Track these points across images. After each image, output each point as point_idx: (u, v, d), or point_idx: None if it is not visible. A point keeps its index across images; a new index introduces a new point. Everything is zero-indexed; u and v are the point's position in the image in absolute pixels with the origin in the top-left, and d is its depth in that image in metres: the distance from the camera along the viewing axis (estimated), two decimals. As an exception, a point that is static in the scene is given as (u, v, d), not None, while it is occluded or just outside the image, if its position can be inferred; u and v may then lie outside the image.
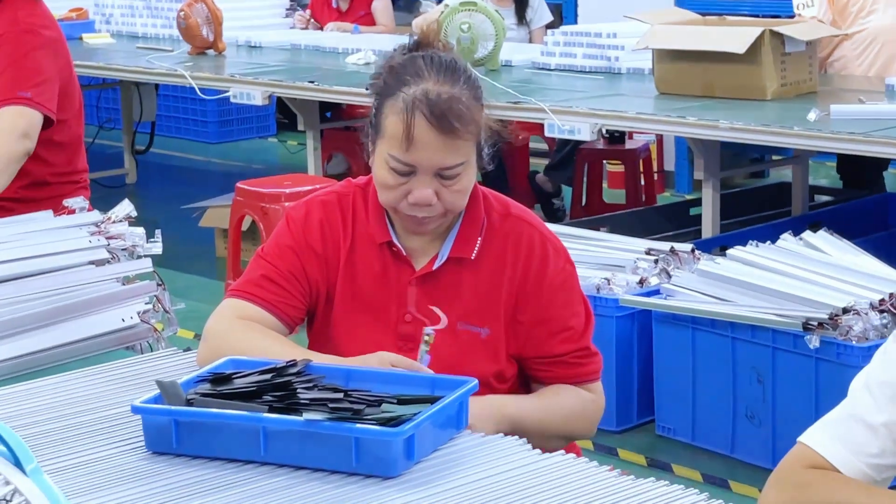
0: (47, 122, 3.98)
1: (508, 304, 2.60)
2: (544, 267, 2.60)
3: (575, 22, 8.69)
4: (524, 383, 2.68)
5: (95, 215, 3.30)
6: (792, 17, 6.53)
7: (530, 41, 7.77)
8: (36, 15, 4.05)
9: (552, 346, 2.61)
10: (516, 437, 2.35)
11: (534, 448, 2.42)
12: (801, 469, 1.98)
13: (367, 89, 2.63)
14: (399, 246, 2.62)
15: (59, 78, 4.03)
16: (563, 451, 2.30)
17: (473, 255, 2.61)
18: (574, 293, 2.64)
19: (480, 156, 2.57)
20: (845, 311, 4.17)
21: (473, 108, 2.50)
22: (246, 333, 2.55)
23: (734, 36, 5.57)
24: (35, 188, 4.03)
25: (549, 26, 7.86)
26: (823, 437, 1.99)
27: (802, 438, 2.02)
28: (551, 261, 2.61)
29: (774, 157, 7.97)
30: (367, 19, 8.57)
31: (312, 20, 8.60)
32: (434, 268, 2.61)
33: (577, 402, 2.62)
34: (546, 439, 2.51)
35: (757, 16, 7.43)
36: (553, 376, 2.63)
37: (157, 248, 3.24)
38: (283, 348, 2.51)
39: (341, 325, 2.64)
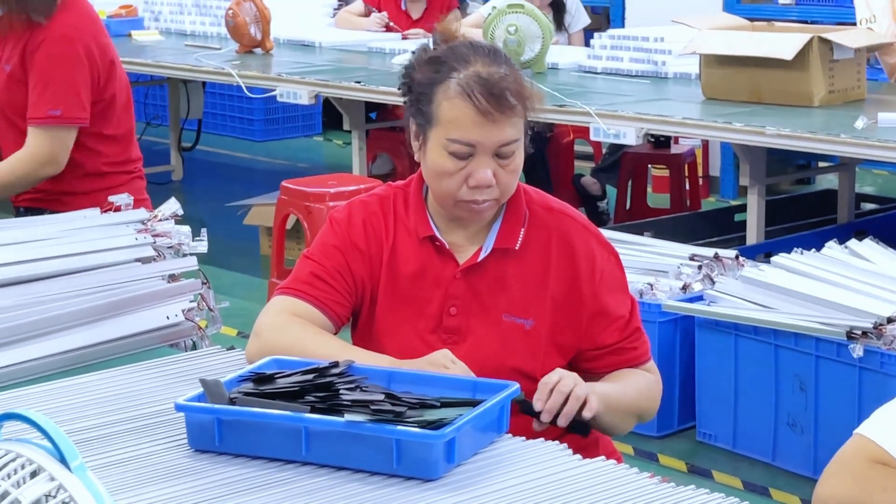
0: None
1: (557, 297, 2.64)
2: (593, 262, 2.65)
3: (622, 25, 8.67)
4: None
5: (142, 213, 3.32)
6: (839, 24, 6.48)
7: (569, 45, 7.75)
8: (71, 20, 4.03)
9: (606, 336, 2.66)
10: (560, 444, 2.35)
11: (610, 431, 2.61)
12: (864, 462, 1.95)
13: (399, 88, 2.67)
14: (442, 240, 2.65)
15: (91, 81, 4.03)
16: (603, 457, 2.31)
17: (518, 245, 2.64)
18: (622, 283, 2.71)
19: (527, 136, 2.62)
20: (890, 320, 4.15)
21: (523, 86, 2.58)
22: (301, 331, 2.58)
23: (782, 42, 5.55)
24: (90, 179, 4.06)
25: (590, 29, 7.84)
26: (887, 432, 1.96)
27: (863, 431, 1.98)
28: (598, 255, 2.67)
29: (821, 164, 7.93)
30: None
31: (392, 23, 8.57)
32: (479, 259, 2.64)
33: (642, 380, 2.69)
34: (624, 417, 2.62)
35: (805, 22, 7.39)
36: (608, 364, 2.68)
37: (202, 246, 3.26)
38: (338, 347, 2.55)
39: (385, 321, 2.67)
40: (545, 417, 2.43)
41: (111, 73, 4.08)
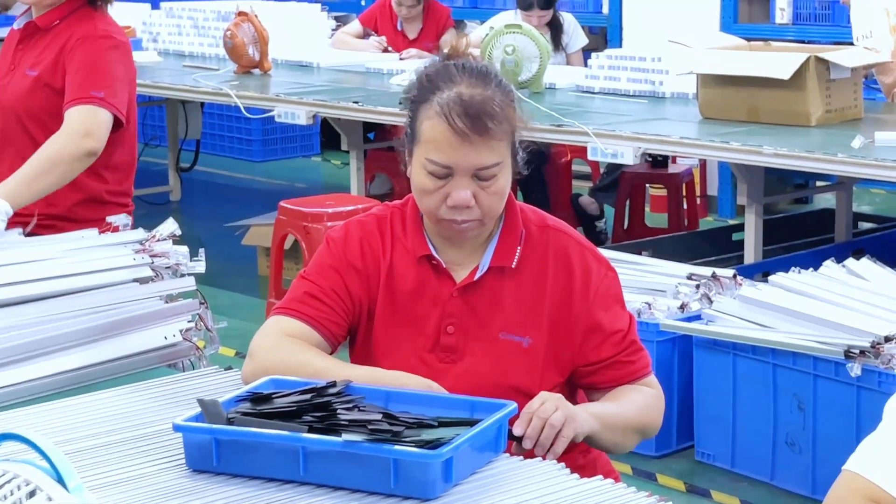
0: (117, 124, 4.01)
1: (553, 314, 2.63)
2: (588, 277, 2.65)
3: (620, 45, 8.69)
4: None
5: (140, 233, 3.32)
6: (836, 43, 6.49)
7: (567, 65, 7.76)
8: (111, 27, 4.12)
9: (602, 351, 2.65)
10: (558, 464, 2.35)
11: (611, 449, 2.58)
12: (858, 500, 1.93)
13: (400, 103, 2.67)
14: (438, 259, 2.66)
15: (128, 83, 4.07)
16: (601, 477, 2.30)
17: (514, 263, 2.64)
18: (618, 298, 2.70)
19: (515, 159, 2.61)
20: (887, 339, 4.15)
21: (506, 109, 2.56)
22: (293, 351, 2.58)
23: (779, 62, 5.57)
24: (88, 206, 4.04)
25: (588, 49, 7.85)
26: (878, 467, 1.93)
27: (853, 468, 1.96)
28: (594, 271, 2.66)
29: (818, 184, 7.95)
30: (435, 51, 8.54)
31: (389, 48, 8.57)
32: (476, 278, 2.64)
33: (641, 396, 2.66)
34: (624, 435, 2.60)
35: (802, 42, 7.41)
36: (607, 379, 2.66)
37: (200, 266, 3.26)
38: (333, 366, 2.54)
39: (382, 340, 2.67)
40: (526, 444, 2.41)
41: (132, 94, 4.12)
